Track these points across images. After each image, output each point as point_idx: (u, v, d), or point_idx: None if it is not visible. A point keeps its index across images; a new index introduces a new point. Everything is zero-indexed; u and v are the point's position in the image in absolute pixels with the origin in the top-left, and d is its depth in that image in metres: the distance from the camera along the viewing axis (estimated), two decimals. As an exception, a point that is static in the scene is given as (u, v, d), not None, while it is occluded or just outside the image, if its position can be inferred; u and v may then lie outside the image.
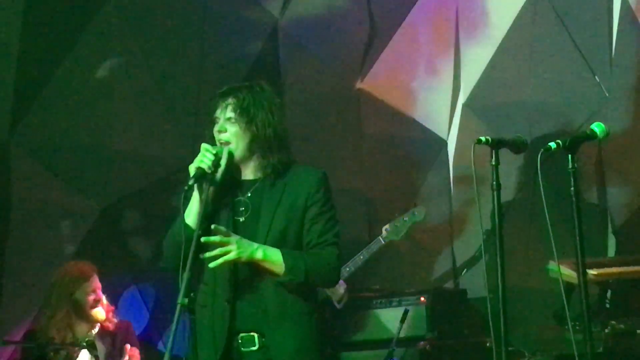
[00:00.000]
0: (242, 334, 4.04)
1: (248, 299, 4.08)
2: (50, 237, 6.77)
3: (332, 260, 4.07)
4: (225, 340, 4.06)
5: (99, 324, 5.36)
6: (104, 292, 5.62)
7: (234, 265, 4.04)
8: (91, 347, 5.41)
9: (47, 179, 6.75)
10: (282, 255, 4.02)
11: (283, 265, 4.02)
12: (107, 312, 5.48)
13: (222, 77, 6.68)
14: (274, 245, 4.04)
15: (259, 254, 3.98)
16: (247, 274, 4.05)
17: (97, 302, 5.40)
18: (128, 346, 5.35)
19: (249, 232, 4.03)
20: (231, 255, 3.87)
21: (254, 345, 4.05)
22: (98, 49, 6.89)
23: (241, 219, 4.05)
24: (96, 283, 5.49)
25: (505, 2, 6.74)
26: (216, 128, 4.01)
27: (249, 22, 7.20)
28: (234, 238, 3.91)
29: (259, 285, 4.07)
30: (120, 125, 6.98)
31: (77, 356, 5.42)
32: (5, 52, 6.57)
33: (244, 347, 4.03)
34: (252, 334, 4.05)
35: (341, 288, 5.79)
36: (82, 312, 5.36)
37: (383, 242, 6.13)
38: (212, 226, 3.91)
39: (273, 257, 4.01)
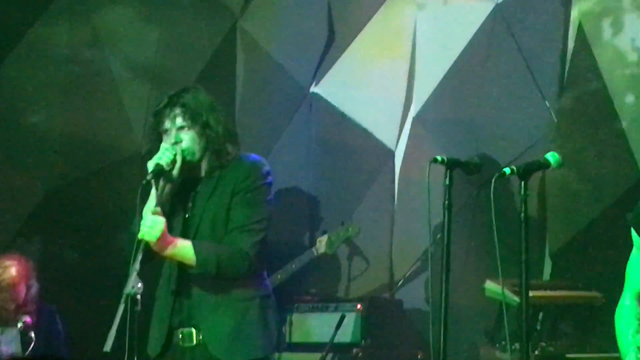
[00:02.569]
0: (182, 330, 4.09)
1: (188, 291, 4.11)
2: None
3: (245, 247, 4.05)
4: (165, 334, 4.12)
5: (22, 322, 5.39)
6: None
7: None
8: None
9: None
10: (194, 248, 4.03)
11: (194, 259, 4.06)
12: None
13: (176, 73, 6.71)
14: (206, 235, 4.10)
15: (168, 251, 4.02)
16: (185, 268, 4.08)
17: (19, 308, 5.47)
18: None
19: (195, 224, 4.13)
20: (152, 237, 4.00)
21: (192, 342, 4.09)
22: (49, 37, 6.80)
23: (187, 215, 4.15)
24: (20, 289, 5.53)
25: (463, 21, 6.63)
26: (170, 140, 4.06)
27: (207, 19, 7.06)
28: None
29: (199, 277, 4.09)
30: (72, 110, 6.85)
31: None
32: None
33: (183, 343, 4.09)
34: (191, 329, 4.09)
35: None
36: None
37: (315, 255, 6.11)
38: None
39: (183, 252, 4.04)
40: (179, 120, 4.10)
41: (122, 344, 3.79)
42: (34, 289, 5.56)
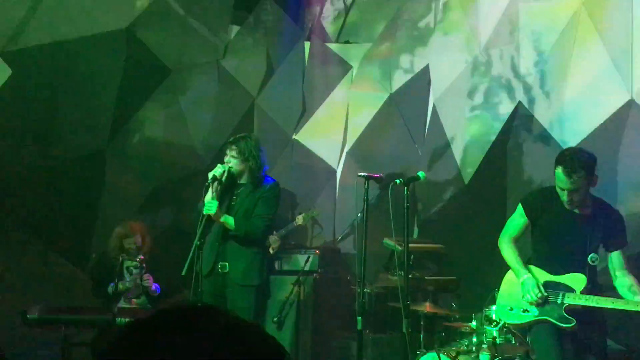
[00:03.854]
0: (220, 263, 4.52)
1: (225, 243, 4.54)
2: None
3: (259, 226, 4.55)
4: (212, 263, 4.49)
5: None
6: None
7: (220, 226, 4.52)
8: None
9: None
10: (234, 220, 4.46)
11: (233, 226, 4.48)
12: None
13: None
14: (244, 216, 4.53)
15: (220, 219, 4.45)
16: (225, 230, 4.55)
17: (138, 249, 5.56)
18: (148, 277, 5.43)
19: (235, 209, 4.59)
20: (211, 211, 4.37)
21: (225, 270, 4.55)
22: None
23: (233, 203, 4.66)
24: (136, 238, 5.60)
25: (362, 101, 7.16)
26: (226, 160, 4.62)
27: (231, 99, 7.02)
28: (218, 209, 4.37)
29: (230, 236, 4.54)
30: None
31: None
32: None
33: (221, 270, 4.54)
34: (225, 263, 4.53)
35: (276, 243, 6.03)
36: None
37: (295, 225, 6.41)
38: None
39: (228, 221, 4.47)
40: (234, 152, 4.57)
41: (191, 271, 4.24)
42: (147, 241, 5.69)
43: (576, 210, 4.07)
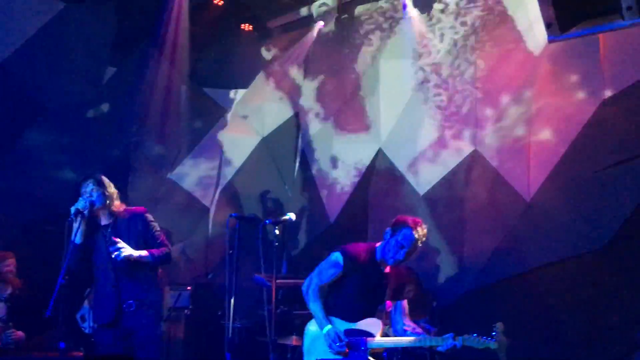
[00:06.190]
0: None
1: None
2: None
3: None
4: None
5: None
6: None
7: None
8: None
9: None
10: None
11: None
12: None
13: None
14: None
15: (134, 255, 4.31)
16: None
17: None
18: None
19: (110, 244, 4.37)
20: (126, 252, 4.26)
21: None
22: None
23: (106, 237, 4.43)
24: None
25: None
26: (85, 195, 4.38)
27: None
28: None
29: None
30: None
31: None
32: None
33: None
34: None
35: None
36: None
37: None
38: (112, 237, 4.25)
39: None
40: (93, 186, 4.38)
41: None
42: None
43: (382, 268, 4.21)
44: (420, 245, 4.18)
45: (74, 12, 6.36)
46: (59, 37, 6.27)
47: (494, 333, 3.79)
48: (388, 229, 4.23)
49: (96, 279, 4.38)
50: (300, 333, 4.96)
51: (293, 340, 5.12)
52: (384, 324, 4.25)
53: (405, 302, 4.32)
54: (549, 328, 5.46)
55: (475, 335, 3.84)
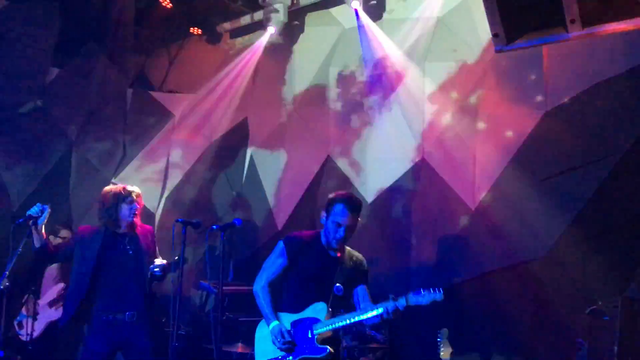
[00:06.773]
0: None
1: None
2: None
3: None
4: None
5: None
6: None
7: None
8: None
9: None
10: None
11: None
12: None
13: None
14: None
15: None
16: None
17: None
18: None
19: None
20: None
21: None
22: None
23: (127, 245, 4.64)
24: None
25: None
26: (125, 207, 4.61)
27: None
28: None
29: None
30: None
31: None
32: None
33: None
34: None
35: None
36: None
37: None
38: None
39: None
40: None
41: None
42: None
43: (331, 253, 4.09)
44: (359, 216, 4.04)
45: (17, 11, 6.21)
46: (1, 35, 6.15)
47: (439, 339, 3.81)
48: (323, 212, 4.12)
49: (103, 278, 4.55)
50: (246, 340, 5.15)
51: (239, 348, 5.04)
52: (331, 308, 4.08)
53: (365, 287, 4.13)
54: (499, 324, 5.49)
55: (419, 290, 3.73)
